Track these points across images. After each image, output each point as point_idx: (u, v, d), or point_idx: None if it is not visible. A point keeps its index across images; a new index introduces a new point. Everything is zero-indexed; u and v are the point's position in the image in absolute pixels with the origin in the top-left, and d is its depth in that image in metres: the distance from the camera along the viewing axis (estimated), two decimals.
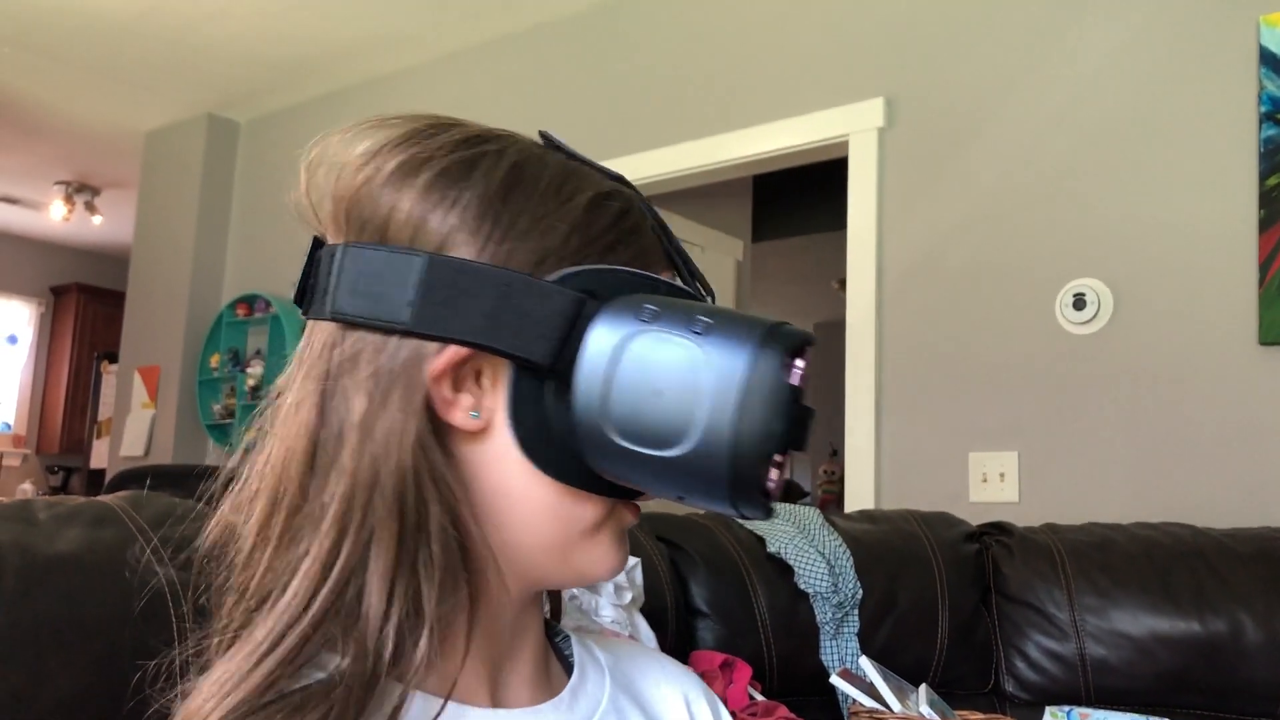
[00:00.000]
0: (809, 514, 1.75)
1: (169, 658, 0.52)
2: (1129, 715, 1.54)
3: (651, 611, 1.43)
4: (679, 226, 3.72)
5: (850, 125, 2.73)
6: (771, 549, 1.64)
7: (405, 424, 0.49)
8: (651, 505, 0.56)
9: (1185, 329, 2.22)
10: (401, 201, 0.51)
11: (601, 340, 0.48)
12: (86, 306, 6.93)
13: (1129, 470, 2.25)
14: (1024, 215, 2.45)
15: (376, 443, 0.49)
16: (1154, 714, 1.58)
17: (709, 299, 0.55)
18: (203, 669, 0.49)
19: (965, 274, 2.51)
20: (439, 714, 0.49)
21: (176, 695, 0.50)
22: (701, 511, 1.23)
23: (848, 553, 1.68)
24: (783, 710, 1.38)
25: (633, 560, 1.42)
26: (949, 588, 1.71)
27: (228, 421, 4.15)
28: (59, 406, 6.84)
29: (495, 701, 0.55)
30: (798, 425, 0.47)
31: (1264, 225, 2.13)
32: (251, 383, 4.07)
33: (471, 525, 0.51)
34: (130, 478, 1.98)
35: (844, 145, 2.75)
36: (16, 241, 6.79)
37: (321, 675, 0.47)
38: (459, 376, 0.50)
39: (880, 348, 2.62)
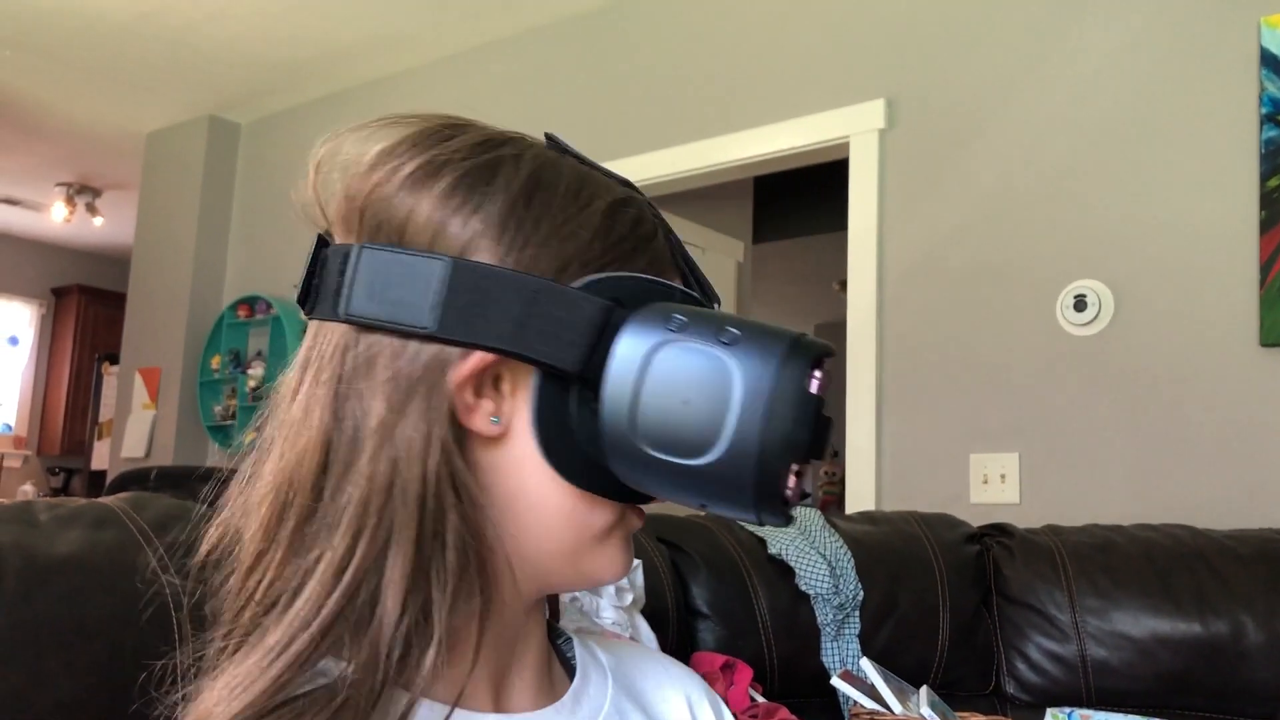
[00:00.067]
0: (810, 515, 1.75)
1: (170, 661, 0.52)
2: (1130, 717, 1.54)
3: (652, 613, 1.43)
4: (680, 228, 3.72)
5: (851, 126, 2.73)
6: (772, 550, 1.64)
7: (428, 429, 0.48)
8: (653, 507, 0.56)
9: (1186, 330, 2.22)
10: (420, 205, 0.50)
11: (630, 349, 0.48)
12: (87, 308, 6.93)
13: (1130, 472, 2.25)
14: (1025, 216, 2.45)
15: (397, 448, 0.48)
16: (1155, 715, 1.58)
17: (715, 305, 0.55)
18: (201, 673, 0.49)
19: (966, 275, 2.51)
20: None
21: (180, 698, 0.49)
22: (702, 514, 1.23)
23: (849, 554, 1.68)
24: (784, 712, 1.38)
25: (634, 562, 1.42)
26: (950, 589, 1.71)
27: (229, 423, 4.15)
28: (60, 408, 6.85)
29: (498, 706, 0.55)
30: (819, 434, 0.48)
31: (1265, 226, 2.13)
32: (252, 384, 4.07)
33: (489, 532, 0.50)
34: (131, 479, 1.98)
35: (845, 146, 2.75)
36: (17, 243, 6.79)
37: (325, 681, 0.47)
38: (480, 382, 0.50)
39: (881, 349, 2.62)
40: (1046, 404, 2.37)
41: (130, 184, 5.05)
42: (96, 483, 5.86)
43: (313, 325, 0.53)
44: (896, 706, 1.38)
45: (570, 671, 0.61)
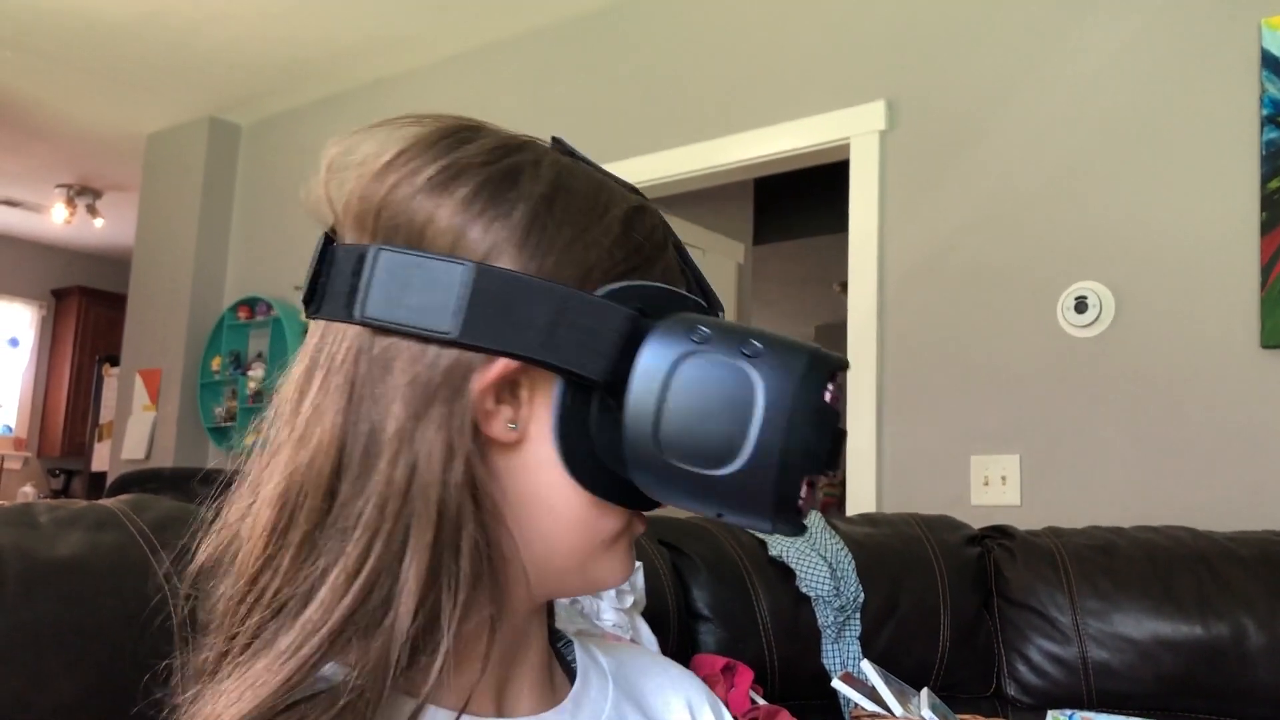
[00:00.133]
0: (811, 517, 1.74)
1: (171, 664, 0.52)
2: (1131, 719, 1.54)
3: (653, 615, 1.43)
4: (680, 229, 3.71)
5: (851, 128, 2.73)
6: (773, 552, 1.64)
7: (450, 435, 0.48)
8: (654, 509, 0.56)
9: (1187, 332, 2.22)
10: (441, 210, 0.50)
11: (655, 359, 0.48)
12: (88, 309, 6.93)
13: (1131, 473, 2.25)
14: (1025, 218, 2.45)
15: (416, 452, 0.48)
16: (1156, 718, 1.58)
17: (720, 313, 0.55)
18: (201, 676, 0.49)
19: (966, 277, 2.51)
20: None
21: (183, 701, 0.49)
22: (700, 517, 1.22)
23: (849, 556, 1.68)
24: (784, 714, 1.38)
25: (635, 564, 1.42)
26: (951, 591, 1.71)
27: (229, 424, 4.16)
28: (60, 409, 6.85)
29: (500, 710, 0.55)
30: (836, 446, 0.49)
31: (1265, 228, 2.13)
32: (253, 385, 4.07)
33: (505, 539, 0.50)
34: (132, 481, 1.98)
35: (845, 148, 2.75)
36: (18, 244, 6.80)
37: (324, 686, 0.47)
38: (499, 388, 0.50)
39: (881, 351, 2.62)
40: (1047, 406, 2.36)
41: (131, 185, 5.05)
42: (97, 484, 5.86)
43: (318, 325, 0.52)
44: (897, 709, 1.38)
45: (571, 675, 0.60)
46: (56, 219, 5.67)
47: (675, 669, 0.66)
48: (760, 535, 1.68)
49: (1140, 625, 1.63)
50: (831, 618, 1.61)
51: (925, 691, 1.47)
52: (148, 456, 4.31)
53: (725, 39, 3.03)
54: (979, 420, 2.45)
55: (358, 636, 0.47)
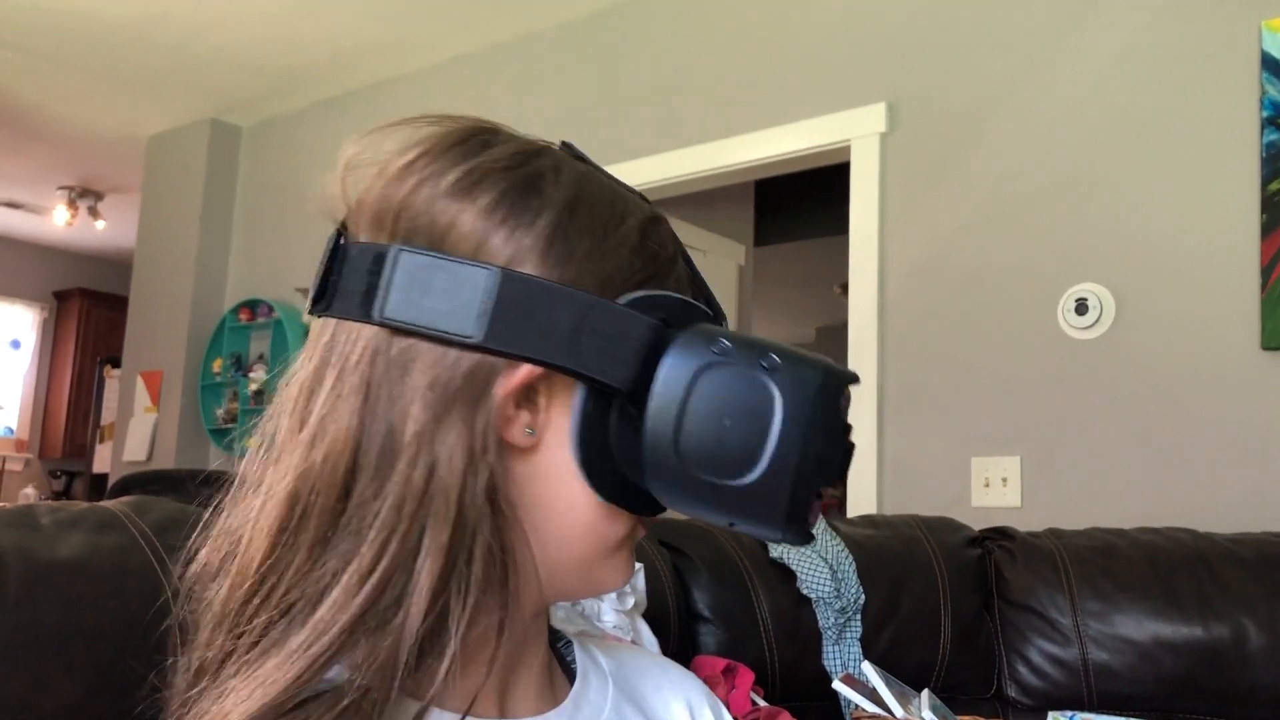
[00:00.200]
0: None
1: (172, 665, 0.52)
2: None
3: (654, 616, 1.43)
4: (681, 231, 3.70)
5: (852, 130, 2.73)
6: (774, 554, 1.64)
7: (471, 439, 0.48)
8: (658, 515, 0.56)
9: (1187, 334, 2.22)
10: (463, 216, 0.50)
11: (677, 369, 0.49)
12: (89, 311, 6.94)
13: (1131, 475, 2.25)
14: (1026, 220, 2.45)
15: (436, 455, 0.48)
16: (1157, 719, 1.58)
17: (723, 322, 0.56)
18: (200, 675, 0.49)
19: (967, 279, 2.51)
20: None
21: (188, 700, 0.49)
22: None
23: (850, 558, 1.68)
24: (785, 716, 1.38)
25: (635, 565, 1.42)
26: (951, 593, 1.71)
27: (230, 426, 4.16)
28: (62, 411, 6.85)
29: (503, 711, 0.55)
30: (846, 459, 0.50)
31: (1266, 230, 2.13)
32: (254, 387, 4.07)
33: (519, 544, 0.51)
34: (133, 482, 1.98)
35: (846, 150, 2.75)
36: (19, 246, 6.80)
37: (326, 687, 0.47)
38: (519, 394, 0.50)
39: (882, 352, 2.62)
40: (1048, 407, 2.37)
41: (132, 187, 5.06)
42: (98, 486, 5.86)
43: (327, 324, 0.52)
44: (898, 710, 1.38)
45: (570, 675, 0.61)
46: (58, 221, 5.67)
47: (675, 670, 0.66)
48: None
49: (1141, 627, 1.63)
50: (832, 619, 1.62)
51: (926, 693, 1.47)
52: (149, 458, 4.31)
53: (726, 41, 3.04)
54: (979, 422, 2.45)
55: (367, 636, 0.46)
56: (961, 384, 2.49)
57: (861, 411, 2.61)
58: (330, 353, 0.51)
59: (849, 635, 1.63)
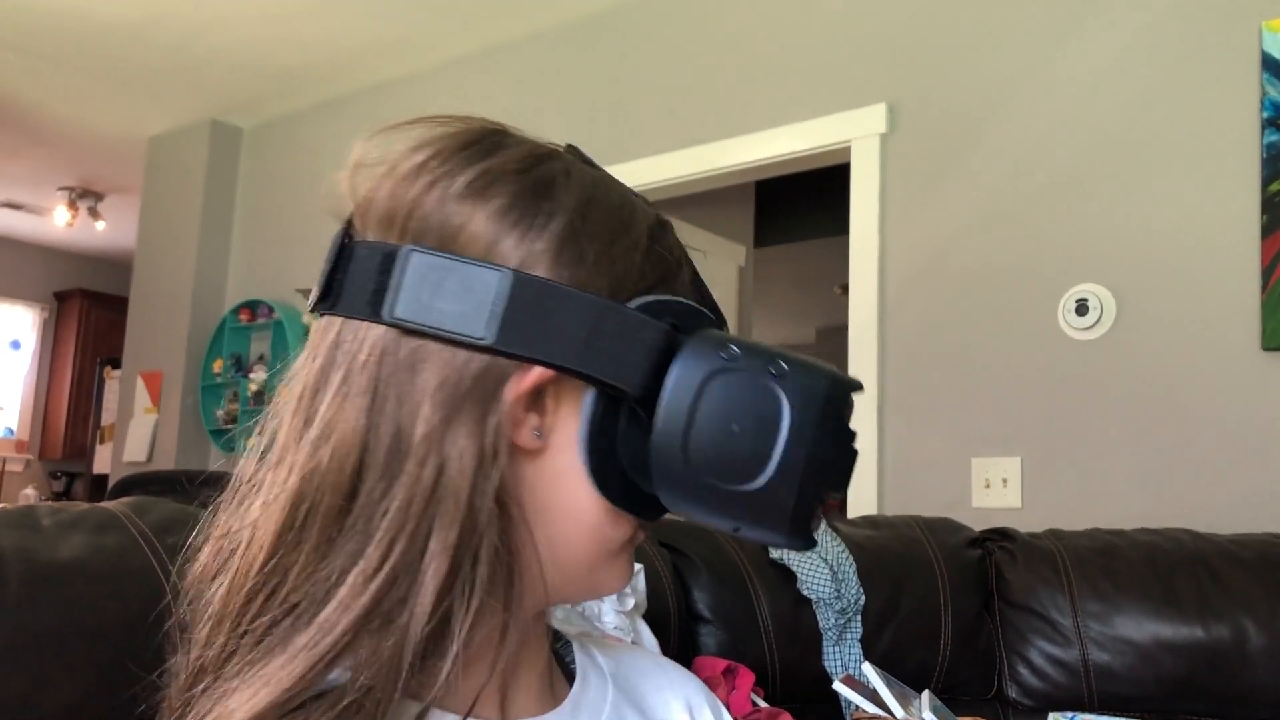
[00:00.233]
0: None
1: (173, 665, 0.52)
2: None
3: (654, 617, 1.43)
4: (681, 232, 3.70)
5: (852, 131, 2.73)
6: (774, 555, 1.64)
7: (481, 441, 0.48)
8: (659, 518, 0.57)
9: (1188, 335, 2.22)
10: (475, 218, 0.50)
11: (687, 374, 0.49)
12: (90, 312, 6.94)
13: (1132, 476, 2.25)
14: (1026, 221, 2.45)
15: (446, 456, 0.48)
16: None
17: (725, 327, 0.56)
18: (201, 674, 0.49)
19: (967, 279, 2.51)
20: None
21: (184, 702, 0.49)
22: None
23: (850, 558, 1.68)
24: (785, 717, 1.38)
25: (635, 566, 1.42)
26: (952, 593, 1.71)
27: (230, 427, 4.16)
28: (62, 412, 6.85)
29: (504, 713, 0.55)
30: (849, 466, 0.51)
31: (1266, 231, 2.13)
32: (254, 388, 4.08)
33: (525, 546, 0.51)
34: (133, 483, 1.98)
35: (846, 151, 2.76)
36: (20, 247, 6.80)
37: (325, 687, 0.47)
38: (529, 396, 0.50)
39: (882, 353, 2.62)
40: (1048, 408, 2.37)
41: (132, 188, 5.06)
42: (99, 487, 5.87)
43: (332, 323, 0.51)
44: (899, 711, 1.38)
45: (570, 676, 0.61)
46: (58, 222, 5.68)
47: (675, 670, 0.66)
48: None
49: (1141, 627, 1.63)
50: (833, 620, 1.61)
51: (926, 694, 1.47)
52: (149, 459, 4.31)
53: (726, 42, 3.04)
54: (980, 422, 2.45)
55: (371, 635, 0.46)
56: (962, 385, 2.49)
57: (862, 412, 2.61)
58: (336, 352, 0.50)
59: (849, 636, 1.63)
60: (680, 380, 0.49)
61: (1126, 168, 2.33)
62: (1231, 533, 1.75)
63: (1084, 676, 1.65)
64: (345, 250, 0.51)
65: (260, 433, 0.53)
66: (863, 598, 1.65)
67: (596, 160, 0.57)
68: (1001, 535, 1.84)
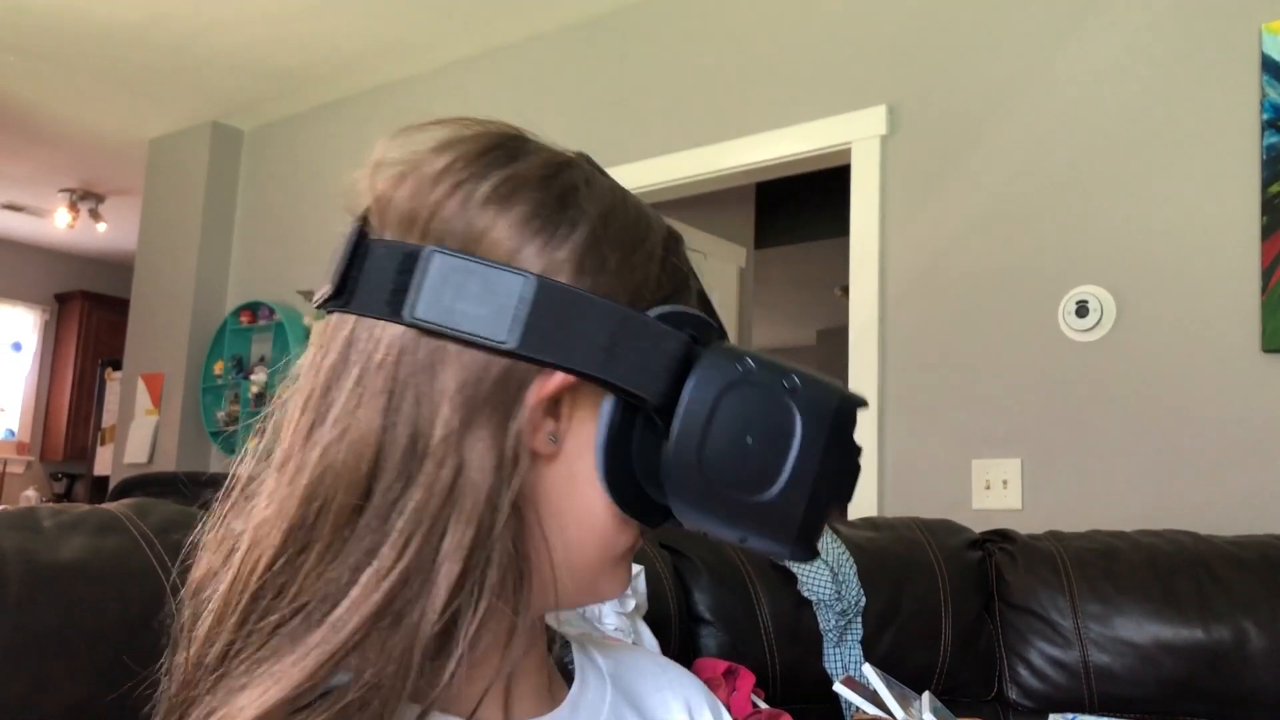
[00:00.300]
0: None
1: (173, 665, 0.52)
2: None
3: (655, 618, 1.43)
4: (682, 233, 3.72)
5: (853, 133, 2.73)
6: None
7: (500, 445, 0.48)
8: (661, 526, 0.57)
9: (1188, 336, 2.22)
10: (497, 225, 0.50)
11: (705, 385, 0.50)
12: (91, 313, 6.95)
13: (1132, 477, 2.25)
14: (1026, 222, 2.45)
15: (464, 458, 0.48)
16: None
17: (726, 339, 0.56)
18: (199, 675, 0.49)
19: (968, 281, 2.51)
20: None
21: (188, 701, 0.49)
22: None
23: (851, 560, 1.68)
24: (786, 718, 1.38)
25: (636, 568, 1.42)
26: (952, 595, 1.71)
27: (231, 428, 4.16)
28: (63, 413, 6.85)
29: (506, 714, 0.55)
30: (854, 479, 0.52)
31: (1266, 232, 2.13)
32: (255, 390, 4.08)
33: (537, 551, 0.51)
34: (134, 485, 1.98)
35: (847, 153, 2.76)
36: (21, 248, 6.81)
37: (338, 687, 0.47)
38: (547, 402, 0.50)
39: (883, 355, 2.62)
40: (1048, 410, 2.37)
41: (133, 190, 5.07)
42: (99, 488, 5.86)
43: (344, 320, 0.51)
44: (899, 712, 1.38)
45: (568, 677, 0.61)
46: (59, 223, 5.68)
47: (675, 670, 0.66)
48: None
49: (1141, 629, 1.63)
50: (833, 621, 1.62)
51: (927, 695, 1.47)
52: (150, 460, 4.31)
53: (726, 43, 3.04)
54: (980, 424, 2.45)
55: (381, 635, 0.46)
56: (962, 386, 2.49)
57: (862, 414, 2.60)
58: (350, 350, 0.50)
59: (850, 637, 1.63)
60: (698, 391, 0.50)
61: (1126, 169, 2.33)
62: (1232, 534, 1.75)
63: (1084, 678, 1.65)
64: (361, 248, 0.51)
65: (261, 430, 0.53)
66: (863, 599, 1.65)
67: (599, 162, 0.58)
68: (1002, 537, 1.84)
